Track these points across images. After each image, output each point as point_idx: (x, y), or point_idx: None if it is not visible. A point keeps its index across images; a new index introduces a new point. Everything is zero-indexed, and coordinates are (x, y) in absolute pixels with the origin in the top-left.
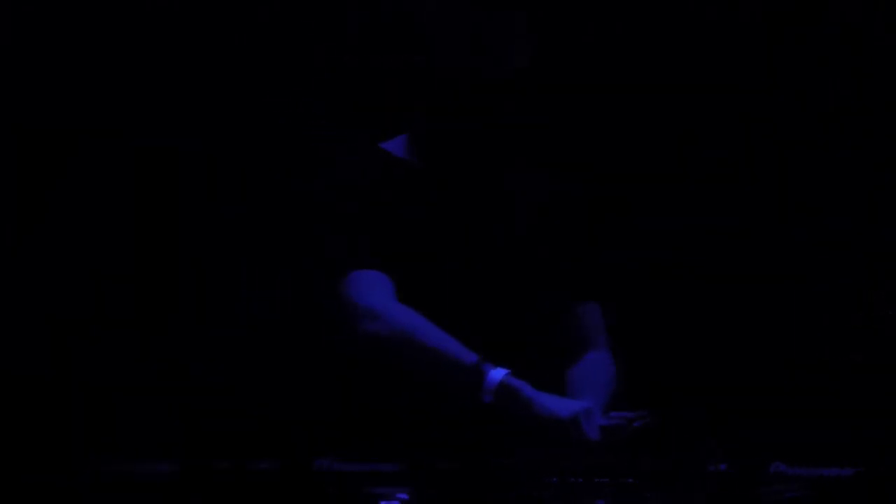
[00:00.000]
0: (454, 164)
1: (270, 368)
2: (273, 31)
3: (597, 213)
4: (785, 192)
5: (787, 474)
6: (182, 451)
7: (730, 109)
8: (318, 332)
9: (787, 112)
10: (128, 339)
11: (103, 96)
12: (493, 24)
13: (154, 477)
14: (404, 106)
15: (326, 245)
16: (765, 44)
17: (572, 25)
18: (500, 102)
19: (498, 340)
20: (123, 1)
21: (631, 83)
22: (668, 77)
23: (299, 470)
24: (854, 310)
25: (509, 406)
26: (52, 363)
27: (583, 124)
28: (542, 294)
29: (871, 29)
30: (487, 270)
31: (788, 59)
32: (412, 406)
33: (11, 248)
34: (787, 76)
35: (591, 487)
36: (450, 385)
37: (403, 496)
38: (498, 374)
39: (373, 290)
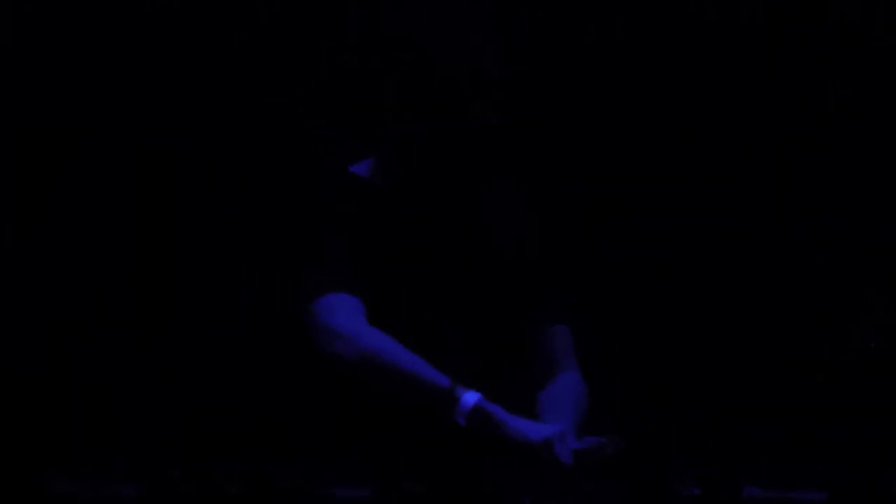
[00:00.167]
0: (424, 186)
1: (270, 368)
2: (273, 31)
3: (596, 213)
4: (785, 192)
5: (761, 497)
6: (182, 451)
7: (730, 109)
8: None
9: (787, 112)
10: (128, 339)
11: (103, 96)
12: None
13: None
14: (404, 106)
15: (299, 268)
16: (765, 44)
17: (572, 25)
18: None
19: (470, 361)
20: (123, 1)
21: (631, 83)
22: (668, 77)
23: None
24: (854, 310)
25: (483, 430)
26: (52, 363)
27: (582, 124)
28: (512, 315)
29: (871, 29)
30: (458, 291)
31: (788, 59)
32: (386, 426)
33: (11, 248)
34: (787, 76)
35: None
36: (423, 407)
37: None
38: (472, 397)
39: (344, 312)
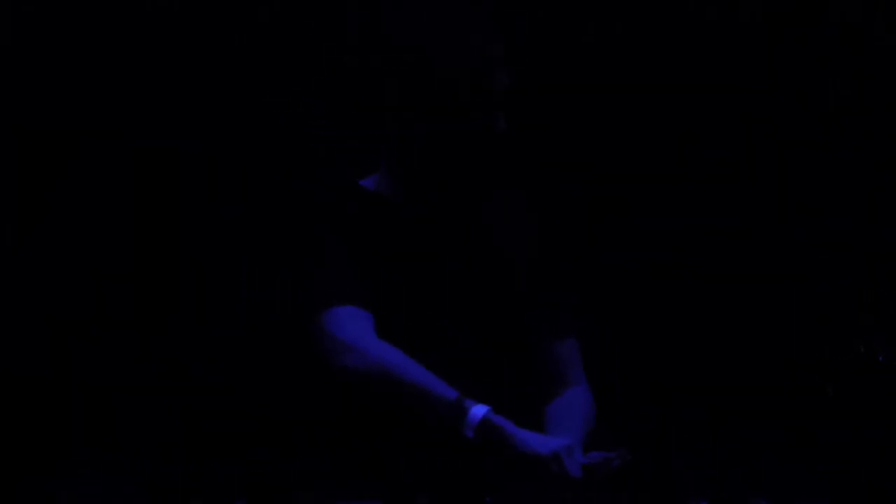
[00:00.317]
0: (431, 198)
1: (270, 368)
2: (273, 31)
3: (596, 213)
4: (785, 192)
5: None
6: (182, 451)
7: (730, 109)
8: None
9: (787, 112)
10: (128, 339)
11: (103, 96)
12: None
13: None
14: (404, 107)
15: (307, 280)
16: (765, 44)
17: (572, 25)
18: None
19: (478, 374)
20: (123, 1)
21: (631, 83)
22: (668, 77)
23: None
24: (854, 310)
25: (491, 442)
26: (52, 363)
27: (582, 125)
28: (520, 328)
29: (871, 29)
30: (458, 292)
31: (788, 59)
32: (394, 440)
33: (11, 248)
34: (787, 76)
35: None
36: (431, 420)
37: None
38: (480, 410)
39: (351, 324)
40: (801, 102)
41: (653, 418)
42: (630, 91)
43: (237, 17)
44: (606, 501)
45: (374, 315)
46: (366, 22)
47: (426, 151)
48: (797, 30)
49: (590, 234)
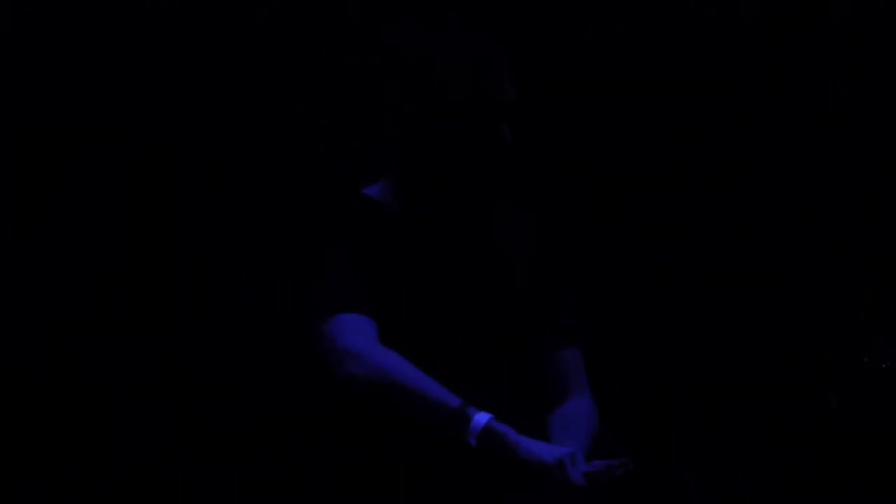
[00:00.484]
0: (436, 207)
1: (270, 368)
2: (273, 31)
3: (597, 213)
4: (785, 192)
5: None
6: (182, 451)
7: (730, 109)
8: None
9: (787, 112)
10: (128, 339)
11: (103, 96)
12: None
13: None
14: (406, 109)
15: (309, 285)
16: (765, 44)
17: (572, 25)
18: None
19: (480, 377)
20: (123, 1)
21: (631, 83)
22: (668, 77)
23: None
24: (854, 310)
25: (494, 450)
26: (52, 363)
27: (582, 125)
28: (526, 337)
29: (871, 29)
30: (471, 312)
31: (788, 59)
32: (397, 446)
33: (11, 248)
34: (787, 76)
35: None
36: (434, 428)
37: None
38: (483, 418)
39: (356, 332)
40: (801, 102)
41: (653, 418)
42: (630, 91)
43: (237, 17)
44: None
45: (377, 320)
46: (370, 25)
47: (429, 154)
48: (797, 30)
49: (590, 234)
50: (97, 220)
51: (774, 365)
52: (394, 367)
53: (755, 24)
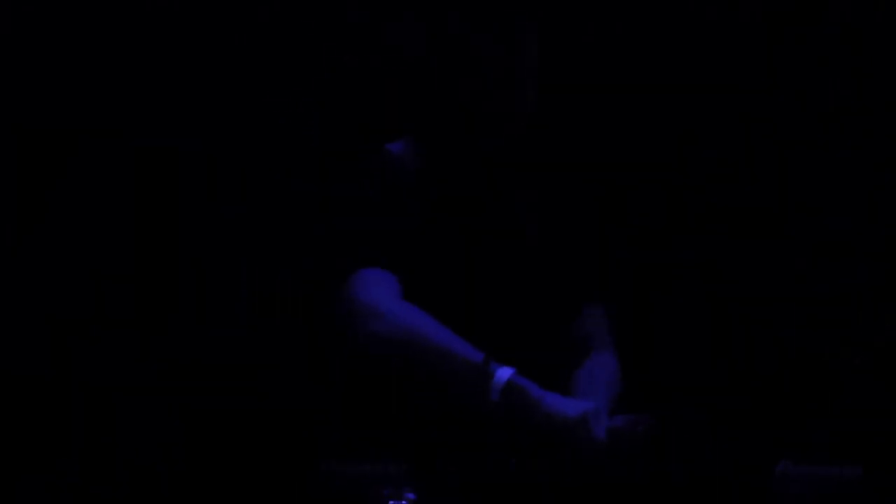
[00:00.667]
0: (459, 165)
1: (271, 368)
2: (273, 31)
3: (597, 213)
4: (785, 192)
5: (794, 473)
6: (182, 451)
7: (730, 109)
8: (319, 330)
9: (787, 112)
10: (128, 339)
11: (103, 96)
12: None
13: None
14: (404, 107)
15: (332, 243)
16: (765, 44)
17: (572, 25)
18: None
19: (504, 340)
20: (123, 1)
21: (631, 83)
22: (668, 77)
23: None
24: (854, 310)
25: (517, 405)
26: (52, 363)
27: (582, 124)
28: (549, 294)
29: (871, 29)
30: (495, 269)
31: (788, 59)
32: (418, 405)
33: (11, 248)
34: (787, 76)
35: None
36: (456, 383)
37: (411, 496)
38: (505, 372)
39: (378, 288)
40: (801, 102)
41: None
42: (630, 91)
43: (237, 17)
44: (629, 466)
45: (399, 276)
46: (366, 22)
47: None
48: (797, 30)
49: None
50: (97, 220)
51: (774, 365)
52: (417, 323)
53: (755, 24)
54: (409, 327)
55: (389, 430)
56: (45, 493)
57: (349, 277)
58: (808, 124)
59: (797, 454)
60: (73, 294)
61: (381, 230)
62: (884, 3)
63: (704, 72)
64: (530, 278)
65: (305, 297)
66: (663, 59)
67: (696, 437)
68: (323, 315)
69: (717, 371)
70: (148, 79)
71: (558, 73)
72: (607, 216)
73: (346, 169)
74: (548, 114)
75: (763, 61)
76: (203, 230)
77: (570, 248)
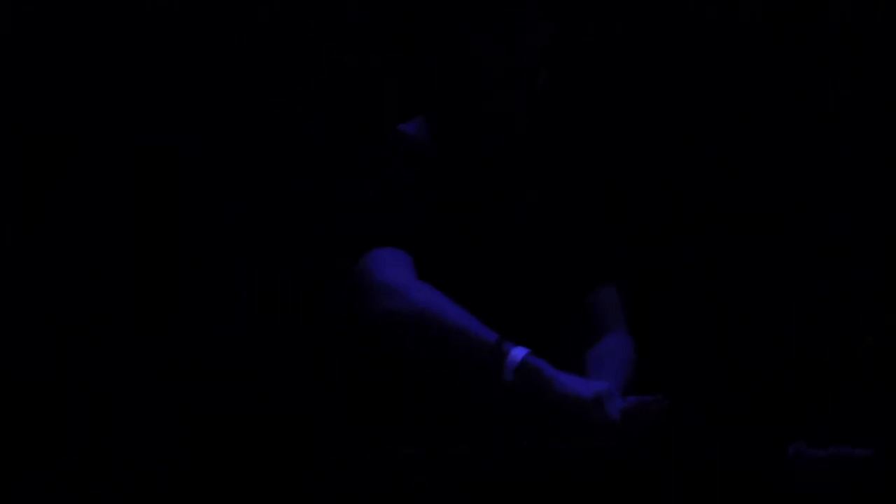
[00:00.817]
0: (470, 145)
1: (271, 368)
2: (273, 31)
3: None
4: (785, 192)
5: (808, 455)
6: (182, 451)
7: (730, 109)
8: (319, 330)
9: (787, 112)
10: (128, 339)
11: (103, 96)
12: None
13: None
14: (405, 107)
15: (346, 221)
16: (765, 44)
17: (572, 25)
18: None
19: (518, 321)
20: (123, 1)
21: (631, 83)
22: (668, 77)
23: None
24: (854, 310)
25: (531, 385)
26: (52, 363)
27: (582, 124)
28: (549, 294)
29: (871, 29)
30: (494, 269)
31: (788, 59)
32: (431, 387)
33: (11, 248)
34: (787, 76)
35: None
36: (470, 362)
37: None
38: (519, 352)
39: (393, 266)
40: (801, 102)
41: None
42: (630, 91)
43: (237, 17)
44: (643, 449)
45: (413, 255)
46: (366, 22)
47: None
48: (797, 30)
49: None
50: (97, 220)
51: (774, 365)
52: (432, 301)
53: (755, 24)
54: (423, 305)
55: (389, 429)
56: (45, 493)
57: (364, 255)
58: (808, 124)
59: (809, 436)
60: (73, 294)
61: (381, 230)
62: (884, 3)
63: (704, 72)
64: (530, 278)
65: (305, 297)
66: (663, 59)
67: (696, 437)
68: (323, 315)
69: (717, 371)
70: (148, 79)
71: (558, 73)
72: (607, 216)
73: (346, 169)
74: (548, 114)
75: (763, 61)
76: (203, 230)
77: (570, 247)
